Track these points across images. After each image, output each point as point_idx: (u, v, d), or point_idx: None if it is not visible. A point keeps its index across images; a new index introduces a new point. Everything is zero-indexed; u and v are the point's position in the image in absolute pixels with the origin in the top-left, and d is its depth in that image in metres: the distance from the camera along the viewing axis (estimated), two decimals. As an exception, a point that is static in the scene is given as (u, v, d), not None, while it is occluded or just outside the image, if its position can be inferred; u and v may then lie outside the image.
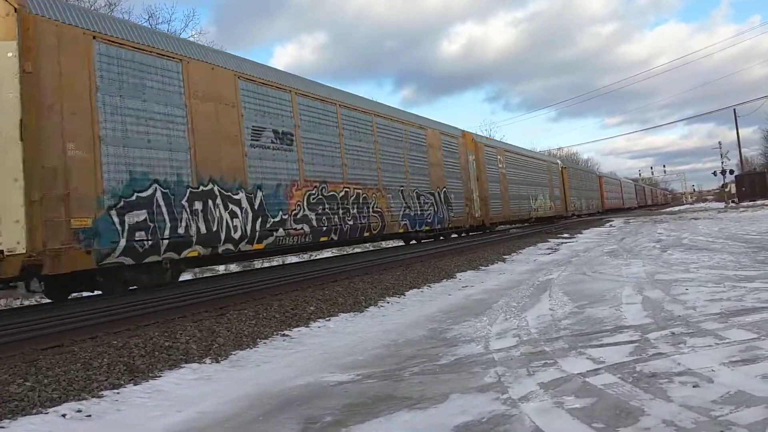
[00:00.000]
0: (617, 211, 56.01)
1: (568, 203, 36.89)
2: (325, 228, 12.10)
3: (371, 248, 20.24)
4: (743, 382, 3.33)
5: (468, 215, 20.40)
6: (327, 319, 6.90)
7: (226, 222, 9.37)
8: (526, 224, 30.34)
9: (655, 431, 2.80)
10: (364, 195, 13.85)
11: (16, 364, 4.52)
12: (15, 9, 6.88)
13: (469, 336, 5.53)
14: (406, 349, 5.23)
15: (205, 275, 14.25)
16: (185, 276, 14.16)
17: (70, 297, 9.02)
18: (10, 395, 3.96)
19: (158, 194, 8.27)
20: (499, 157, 24.74)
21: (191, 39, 20.72)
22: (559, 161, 38.66)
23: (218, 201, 9.29)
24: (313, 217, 11.72)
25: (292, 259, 17.79)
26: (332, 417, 3.51)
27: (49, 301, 8.92)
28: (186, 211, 8.66)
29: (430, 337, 5.72)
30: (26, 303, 10.38)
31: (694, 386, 3.36)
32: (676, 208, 60.40)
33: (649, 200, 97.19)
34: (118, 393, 4.24)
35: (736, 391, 3.20)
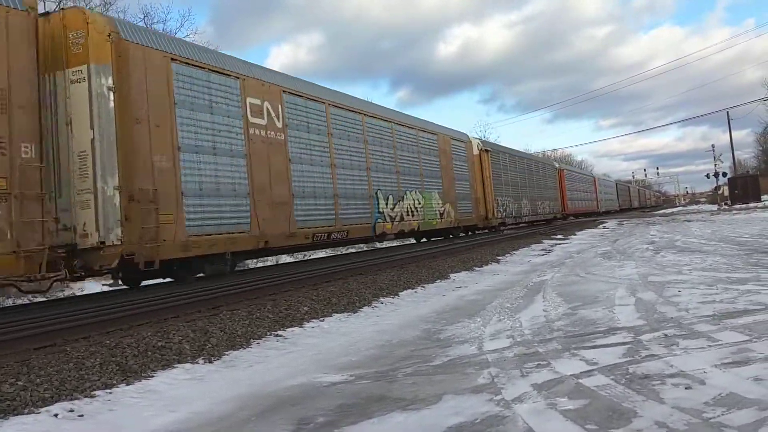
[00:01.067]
0: (590, 216, 45.68)
1: (491, 207, 23.19)
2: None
3: (365, 248, 20.20)
4: (735, 384, 3.35)
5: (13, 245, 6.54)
6: (321, 319, 6.90)
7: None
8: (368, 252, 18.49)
9: (647, 433, 2.81)
10: None
11: (9, 364, 4.51)
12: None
13: (462, 337, 5.54)
14: (400, 350, 5.23)
15: (198, 275, 14.20)
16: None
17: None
18: (2, 395, 3.95)
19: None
20: (259, 102, 10.88)
21: (187, 39, 20.72)
22: (476, 139, 24.03)
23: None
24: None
25: (286, 258, 17.76)
26: (325, 418, 3.50)
27: (44, 299, 8.86)
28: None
29: (423, 337, 5.72)
30: (18, 302, 10.33)
31: (686, 388, 3.38)
32: (669, 210, 60.63)
33: (635, 202, 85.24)
34: (110, 393, 4.23)
35: (728, 393, 3.22)
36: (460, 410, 3.40)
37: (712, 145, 55.80)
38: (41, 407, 3.85)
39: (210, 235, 9.29)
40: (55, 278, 7.46)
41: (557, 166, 39.13)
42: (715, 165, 52.15)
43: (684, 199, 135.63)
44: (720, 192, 55.80)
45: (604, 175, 77.48)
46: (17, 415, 3.73)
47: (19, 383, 4.15)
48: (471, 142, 23.05)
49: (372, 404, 3.69)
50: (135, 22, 18.60)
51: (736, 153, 57.99)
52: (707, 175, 53.59)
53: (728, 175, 54.87)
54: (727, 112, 51.90)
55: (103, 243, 7.61)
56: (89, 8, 18.30)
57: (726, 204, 49.84)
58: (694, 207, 71.77)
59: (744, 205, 43.42)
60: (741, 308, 5.48)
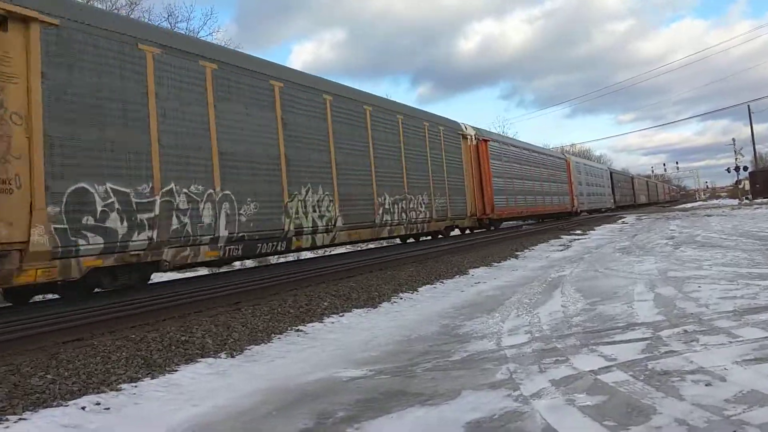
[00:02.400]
0: (556, 219, 30.83)
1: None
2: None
3: (385, 244, 20.19)
4: (756, 381, 3.33)
5: None
6: (340, 314, 6.95)
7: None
8: None
9: (667, 430, 2.81)
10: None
11: (38, 357, 4.62)
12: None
13: (481, 332, 5.56)
14: (419, 345, 5.26)
15: (222, 270, 14.37)
16: (203, 271, 14.30)
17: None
18: (32, 387, 4.05)
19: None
20: None
21: (208, 38, 20.89)
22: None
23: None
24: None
25: (306, 254, 17.87)
26: (345, 412, 3.55)
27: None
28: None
29: (442, 333, 5.75)
30: (49, 297, 10.52)
31: (706, 385, 3.37)
32: (689, 205, 59.82)
33: (642, 197, 65.75)
34: (135, 386, 4.32)
35: (750, 390, 3.20)
36: (478, 406, 3.42)
37: (733, 139, 55.08)
38: (69, 400, 3.95)
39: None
40: None
41: (471, 132, 20.35)
42: (736, 159, 51.40)
43: (704, 194, 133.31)
44: (741, 186, 54.98)
45: (616, 170, 62.69)
46: (46, 407, 3.82)
47: (48, 377, 4.26)
48: None
49: (391, 399, 3.73)
50: (158, 23, 18.74)
51: (757, 147, 57.10)
52: (728, 170, 52.87)
53: (749, 169, 54.03)
54: (748, 106, 51.13)
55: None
56: (114, 9, 18.44)
57: (747, 198, 49.10)
58: (715, 201, 70.60)
59: (765, 200, 42.73)
60: (762, 304, 5.43)
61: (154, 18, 22.59)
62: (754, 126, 51.36)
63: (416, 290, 8.72)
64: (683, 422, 2.86)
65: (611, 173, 51.37)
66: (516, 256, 13.41)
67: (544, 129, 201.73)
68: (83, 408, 3.84)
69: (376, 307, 7.50)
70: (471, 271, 10.80)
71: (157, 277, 12.42)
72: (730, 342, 4.24)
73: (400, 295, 8.30)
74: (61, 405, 3.87)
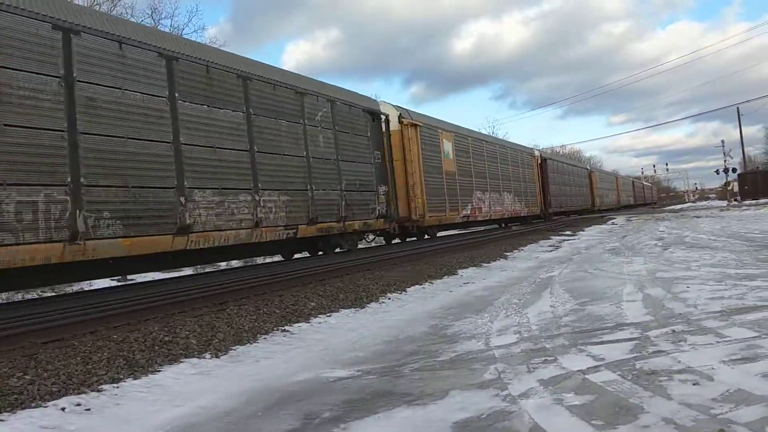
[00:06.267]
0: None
1: None
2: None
3: (373, 244, 20.14)
4: (743, 381, 3.32)
5: None
6: (328, 314, 6.90)
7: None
8: None
9: (654, 429, 2.79)
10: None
11: (16, 358, 4.53)
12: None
13: (469, 332, 5.53)
14: (407, 346, 5.22)
15: (206, 270, 14.26)
16: (187, 271, 14.17)
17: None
18: (10, 388, 3.97)
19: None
20: None
21: (193, 35, 20.82)
22: None
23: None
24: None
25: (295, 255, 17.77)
26: (331, 413, 3.50)
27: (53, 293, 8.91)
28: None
29: (430, 333, 5.71)
30: (27, 297, 10.40)
31: (694, 384, 3.35)
32: (678, 207, 60.24)
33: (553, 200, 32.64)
34: (117, 387, 4.24)
35: (736, 390, 3.19)
36: (466, 405, 3.39)
37: (722, 141, 55.53)
38: (49, 401, 3.87)
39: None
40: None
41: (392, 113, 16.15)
42: (725, 161, 51.87)
43: (693, 195, 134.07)
44: (730, 188, 55.48)
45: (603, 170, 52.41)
46: (25, 408, 3.75)
47: (27, 377, 4.17)
48: None
49: (378, 399, 3.69)
50: (141, 20, 18.63)
51: (746, 149, 57.53)
52: (717, 171, 53.34)
53: (738, 171, 54.50)
54: (737, 108, 51.56)
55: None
56: (96, 4, 18.27)
57: (735, 200, 49.54)
58: (704, 203, 71.15)
59: (754, 201, 43.12)
60: (750, 304, 5.44)
61: (137, 15, 22.42)
62: (743, 128, 51.75)
63: (404, 290, 8.67)
64: (671, 421, 2.84)
65: (582, 166, 32.83)
66: (505, 257, 13.41)
67: (536, 130, 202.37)
68: (63, 409, 3.77)
69: (364, 307, 7.45)
70: (460, 272, 10.77)
71: (140, 277, 12.32)
72: (718, 342, 4.24)
73: (389, 295, 8.25)
74: (40, 406, 3.79)
